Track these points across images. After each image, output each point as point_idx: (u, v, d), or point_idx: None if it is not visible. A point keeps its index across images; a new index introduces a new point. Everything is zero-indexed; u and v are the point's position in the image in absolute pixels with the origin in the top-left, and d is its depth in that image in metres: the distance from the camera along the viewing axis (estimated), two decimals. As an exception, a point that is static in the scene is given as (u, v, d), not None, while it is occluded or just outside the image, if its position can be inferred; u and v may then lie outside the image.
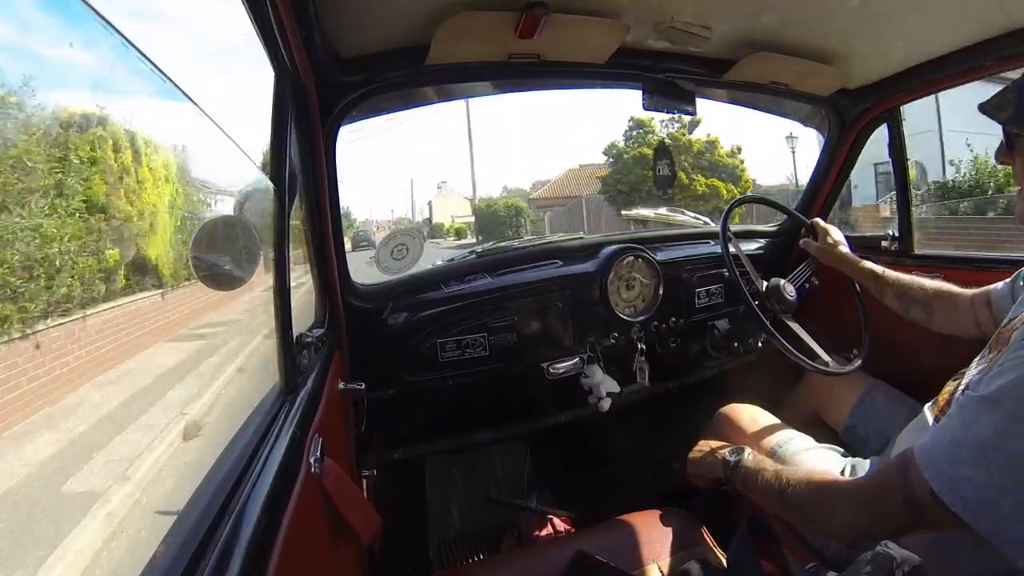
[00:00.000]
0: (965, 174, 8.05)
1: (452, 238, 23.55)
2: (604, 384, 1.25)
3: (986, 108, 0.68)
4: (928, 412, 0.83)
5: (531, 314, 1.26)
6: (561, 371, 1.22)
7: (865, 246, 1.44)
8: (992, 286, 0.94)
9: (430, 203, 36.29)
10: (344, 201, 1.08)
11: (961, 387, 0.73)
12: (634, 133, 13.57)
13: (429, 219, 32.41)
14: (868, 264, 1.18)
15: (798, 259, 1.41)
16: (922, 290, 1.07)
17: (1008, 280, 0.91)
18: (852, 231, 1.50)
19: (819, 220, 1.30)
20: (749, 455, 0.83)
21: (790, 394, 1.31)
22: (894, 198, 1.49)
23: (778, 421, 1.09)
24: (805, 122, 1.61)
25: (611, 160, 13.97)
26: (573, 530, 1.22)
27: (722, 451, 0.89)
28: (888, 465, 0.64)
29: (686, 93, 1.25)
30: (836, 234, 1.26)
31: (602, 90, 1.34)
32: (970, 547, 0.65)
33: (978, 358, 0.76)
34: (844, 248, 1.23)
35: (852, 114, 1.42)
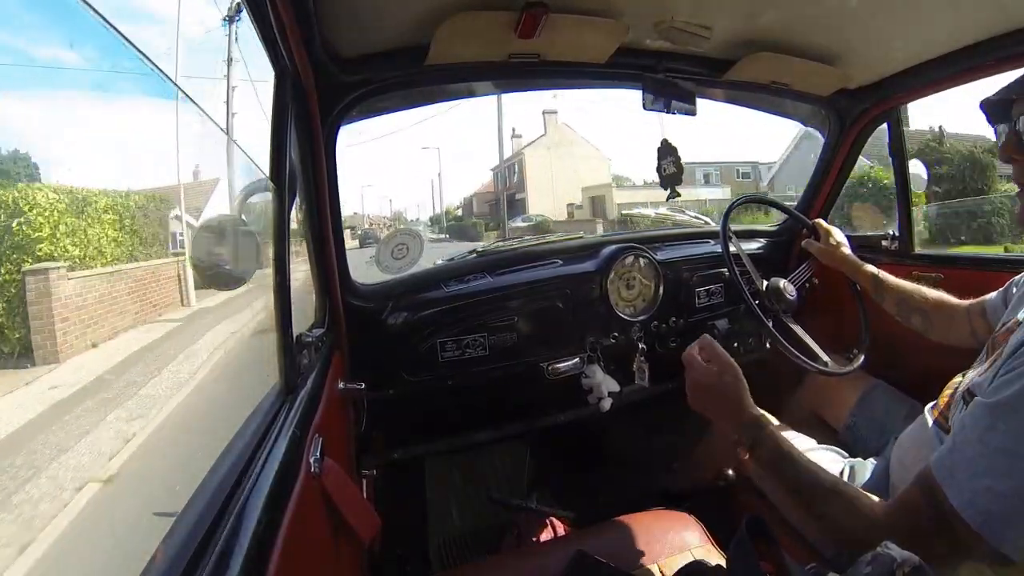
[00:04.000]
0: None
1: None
2: (604, 384, 1.25)
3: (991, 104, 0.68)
4: (928, 414, 0.83)
5: (531, 314, 1.25)
6: (561, 371, 1.22)
7: (865, 245, 1.44)
8: (985, 297, 0.95)
9: (520, 163, 18.93)
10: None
11: (961, 389, 0.72)
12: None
13: (520, 195, 16.95)
14: (870, 268, 1.18)
15: (799, 259, 1.41)
16: (923, 299, 1.07)
17: (1001, 290, 0.92)
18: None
19: (821, 221, 1.30)
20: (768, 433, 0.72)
21: (790, 394, 1.30)
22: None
23: (778, 421, 1.08)
24: (805, 122, 1.61)
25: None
26: (573, 530, 1.22)
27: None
28: (912, 487, 0.60)
29: (686, 93, 1.25)
30: (838, 235, 1.26)
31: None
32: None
33: (976, 362, 0.77)
34: (846, 250, 1.23)
35: (852, 114, 1.42)
